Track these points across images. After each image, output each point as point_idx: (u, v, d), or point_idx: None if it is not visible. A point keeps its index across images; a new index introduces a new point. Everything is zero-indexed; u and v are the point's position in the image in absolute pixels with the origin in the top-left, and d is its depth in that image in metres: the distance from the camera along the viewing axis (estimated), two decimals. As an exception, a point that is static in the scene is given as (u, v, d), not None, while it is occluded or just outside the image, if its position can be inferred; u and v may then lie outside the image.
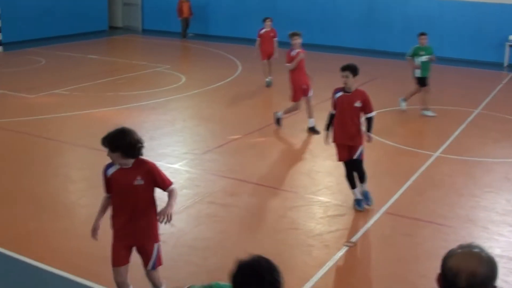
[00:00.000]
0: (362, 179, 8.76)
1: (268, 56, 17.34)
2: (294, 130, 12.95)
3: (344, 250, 7.53)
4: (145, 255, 5.66)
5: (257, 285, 3.17)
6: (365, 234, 8.02)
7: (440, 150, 11.62)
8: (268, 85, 17.28)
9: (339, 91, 8.57)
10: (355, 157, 8.58)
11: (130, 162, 5.41)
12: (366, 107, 8.49)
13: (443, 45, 21.28)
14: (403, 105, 14.51)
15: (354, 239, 7.83)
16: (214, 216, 8.54)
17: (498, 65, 21.69)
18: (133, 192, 5.40)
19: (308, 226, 8.36)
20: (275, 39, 17.37)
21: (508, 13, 21.71)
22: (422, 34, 14.23)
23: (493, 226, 8.42)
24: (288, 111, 12.89)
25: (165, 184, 5.49)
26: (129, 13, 29.89)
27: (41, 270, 6.86)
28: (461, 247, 3.07)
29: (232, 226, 8.29)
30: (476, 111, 14.84)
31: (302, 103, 12.73)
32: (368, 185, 8.82)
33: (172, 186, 5.53)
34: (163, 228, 7.90)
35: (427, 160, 10.99)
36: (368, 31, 24.26)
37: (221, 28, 27.41)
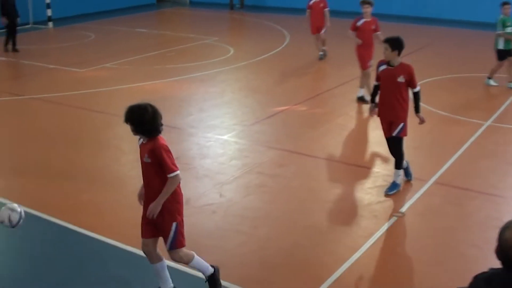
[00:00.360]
0: (396, 163, 8.25)
1: (317, 29, 16.54)
2: (344, 99, 12.88)
3: (393, 220, 7.50)
4: (163, 234, 5.51)
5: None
6: (414, 204, 7.96)
7: (492, 119, 11.40)
8: (321, 58, 16.79)
9: (383, 64, 8.17)
10: (394, 133, 8.12)
11: (145, 138, 5.37)
12: (410, 82, 8.00)
13: None
14: (491, 82, 13.87)
15: (403, 209, 7.78)
16: (263, 187, 8.60)
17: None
18: (144, 168, 5.42)
19: (357, 197, 8.34)
20: (326, 9, 16.44)
21: None
22: (506, 3, 13.60)
23: (547, 196, 8.26)
24: (361, 84, 12.63)
25: (166, 169, 5.26)
26: (177, -14, 29.97)
27: (93, 239, 7.04)
28: None
29: (280, 196, 8.33)
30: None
31: (370, 71, 12.09)
32: (418, 155, 8.70)
33: (173, 174, 5.26)
34: (212, 198, 8.05)
35: (478, 130, 10.81)
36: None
37: (269, -1, 27.26)
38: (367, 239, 6.99)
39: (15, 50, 18.25)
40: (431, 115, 11.26)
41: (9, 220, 5.52)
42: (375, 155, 9.82)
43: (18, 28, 18.75)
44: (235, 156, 9.75)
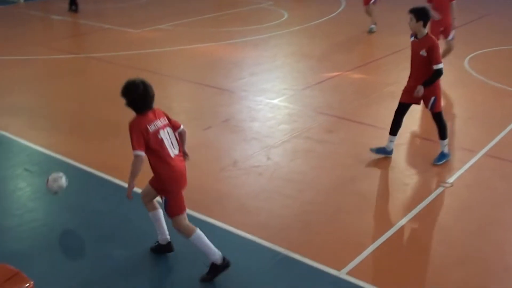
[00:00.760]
0: (440, 133, 8.10)
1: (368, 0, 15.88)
2: (396, 67, 12.72)
3: (440, 190, 7.45)
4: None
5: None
6: (462, 175, 7.86)
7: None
8: (371, 31, 15.98)
9: (412, 35, 7.90)
10: (428, 108, 7.97)
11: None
12: (431, 57, 7.58)
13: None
14: None
15: (451, 180, 7.71)
16: (310, 151, 8.62)
17: None
18: None
19: (405, 165, 8.30)
20: None
21: None
22: None
23: None
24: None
25: (132, 147, 5.31)
26: None
27: (139, 194, 7.20)
28: None
29: (327, 161, 8.35)
30: None
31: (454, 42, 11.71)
32: (470, 125, 8.56)
33: (134, 153, 5.28)
34: (259, 161, 8.13)
35: (534, 103, 10.57)
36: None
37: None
38: (412, 208, 6.96)
39: (76, 11, 18.57)
40: (485, 87, 11.04)
41: (60, 187, 6.56)
42: (424, 124, 9.71)
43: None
44: (284, 120, 9.78)
